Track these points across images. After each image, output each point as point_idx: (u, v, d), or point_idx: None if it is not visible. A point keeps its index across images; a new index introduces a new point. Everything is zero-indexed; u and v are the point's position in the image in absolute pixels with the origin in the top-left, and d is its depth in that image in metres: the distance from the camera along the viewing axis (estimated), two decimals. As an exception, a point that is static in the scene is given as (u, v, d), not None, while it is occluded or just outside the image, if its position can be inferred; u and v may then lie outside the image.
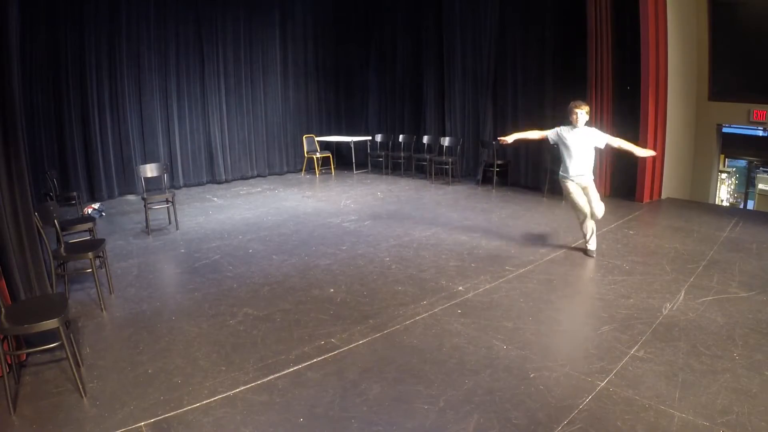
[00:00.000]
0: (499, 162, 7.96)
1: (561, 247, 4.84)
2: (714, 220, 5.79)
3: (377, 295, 3.73)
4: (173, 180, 8.35)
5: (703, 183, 7.41)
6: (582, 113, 4.25)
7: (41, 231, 3.24)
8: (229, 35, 8.79)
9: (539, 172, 7.62)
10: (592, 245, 4.56)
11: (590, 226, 4.48)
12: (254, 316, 3.41)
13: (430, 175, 8.85)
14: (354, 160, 9.80)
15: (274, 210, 6.75)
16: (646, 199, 6.81)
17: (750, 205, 12.15)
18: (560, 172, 4.49)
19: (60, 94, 7.07)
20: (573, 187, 4.40)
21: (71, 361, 2.46)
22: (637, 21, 6.34)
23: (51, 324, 2.38)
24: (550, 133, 4.49)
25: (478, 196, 7.47)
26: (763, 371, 2.57)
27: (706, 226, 5.51)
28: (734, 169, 13.57)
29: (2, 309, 2.47)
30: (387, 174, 9.51)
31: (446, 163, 8.52)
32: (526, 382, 2.54)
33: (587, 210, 4.36)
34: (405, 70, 9.75)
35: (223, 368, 2.73)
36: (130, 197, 7.78)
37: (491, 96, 8.39)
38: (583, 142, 4.28)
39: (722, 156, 10.09)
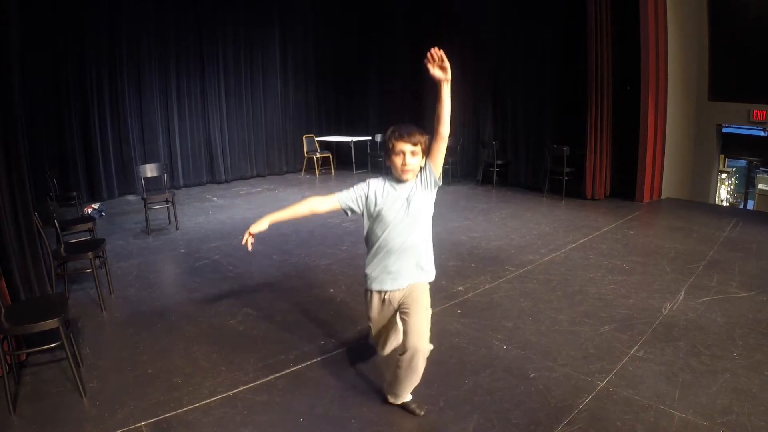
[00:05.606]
0: (499, 162, 7.96)
1: (561, 247, 4.84)
2: (714, 220, 5.79)
3: (377, 295, 3.72)
4: (173, 180, 8.35)
5: (703, 183, 7.41)
6: (410, 151, 2.04)
7: (41, 231, 3.24)
8: (229, 34, 8.78)
9: (539, 172, 7.61)
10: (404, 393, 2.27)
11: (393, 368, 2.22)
12: (254, 316, 3.41)
13: (430, 175, 8.84)
14: (354, 160, 9.80)
15: (274, 210, 6.74)
16: (646, 199, 6.81)
17: (750, 205, 12.16)
18: (365, 270, 2.36)
19: (60, 94, 7.06)
20: (375, 305, 2.29)
21: (71, 361, 2.46)
22: (637, 21, 6.34)
23: (51, 324, 2.38)
24: (345, 197, 2.23)
25: (478, 196, 7.47)
26: (763, 371, 2.57)
27: (706, 226, 5.51)
28: (734, 169, 13.59)
29: (2, 309, 2.47)
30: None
31: (446, 163, 8.49)
32: (526, 382, 2.54)
33: (386, 347, 2.44)
34: (405, 69, 9.74)
35: (223, 368, 2.72)
36: (130, 197, 7.78)
37: (491, 96, 8.39)
38: (409, 210, 2.15)
39: (722, 156, 10.09)
